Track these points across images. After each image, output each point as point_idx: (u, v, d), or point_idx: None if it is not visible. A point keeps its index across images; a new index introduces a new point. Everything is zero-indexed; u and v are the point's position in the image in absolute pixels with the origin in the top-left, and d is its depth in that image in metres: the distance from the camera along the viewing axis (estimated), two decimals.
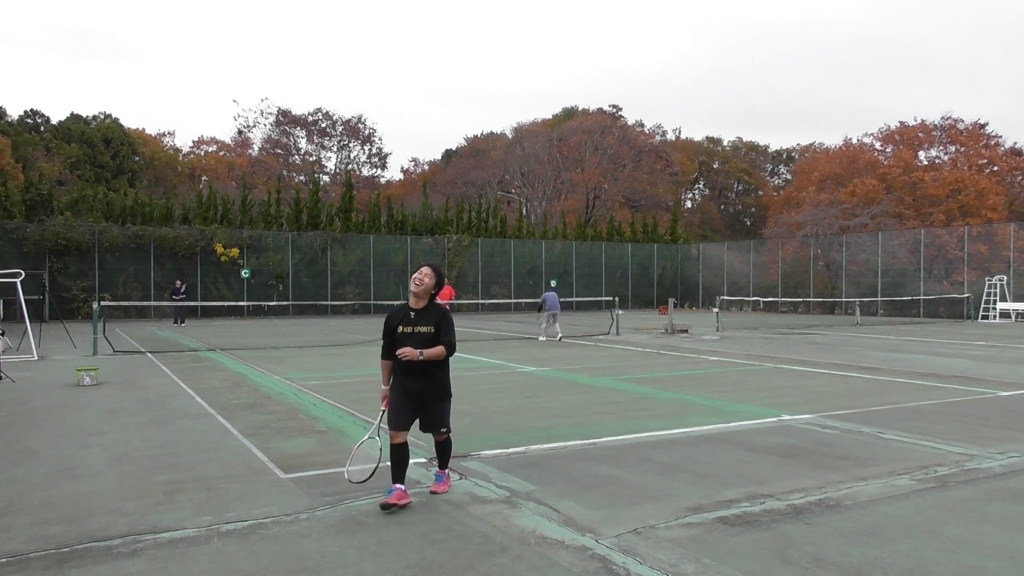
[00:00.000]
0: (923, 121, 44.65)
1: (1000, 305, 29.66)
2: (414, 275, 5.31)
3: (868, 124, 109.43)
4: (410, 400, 5.13)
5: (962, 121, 44.21)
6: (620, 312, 23.12)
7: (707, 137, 77.39)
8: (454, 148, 73.77)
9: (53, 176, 42.05)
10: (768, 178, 77.67)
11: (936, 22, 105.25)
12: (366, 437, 5.39)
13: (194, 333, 22.91)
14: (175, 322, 28.09)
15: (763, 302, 37.68)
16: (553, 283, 39.81)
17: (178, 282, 29.10)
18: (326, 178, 63.44)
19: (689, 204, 74.37)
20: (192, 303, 28.75)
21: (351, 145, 67.74)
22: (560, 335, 19.54)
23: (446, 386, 5.31)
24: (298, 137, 66.95)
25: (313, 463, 6.26)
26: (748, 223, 72.79)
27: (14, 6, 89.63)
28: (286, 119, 65.61)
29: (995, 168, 42.58)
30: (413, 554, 4.16)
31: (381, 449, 5.20)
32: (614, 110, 67.57)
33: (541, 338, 19.50)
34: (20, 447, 7.01)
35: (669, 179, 64.62)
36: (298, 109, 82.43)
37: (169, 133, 70.55)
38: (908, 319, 31.15)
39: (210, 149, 71.34)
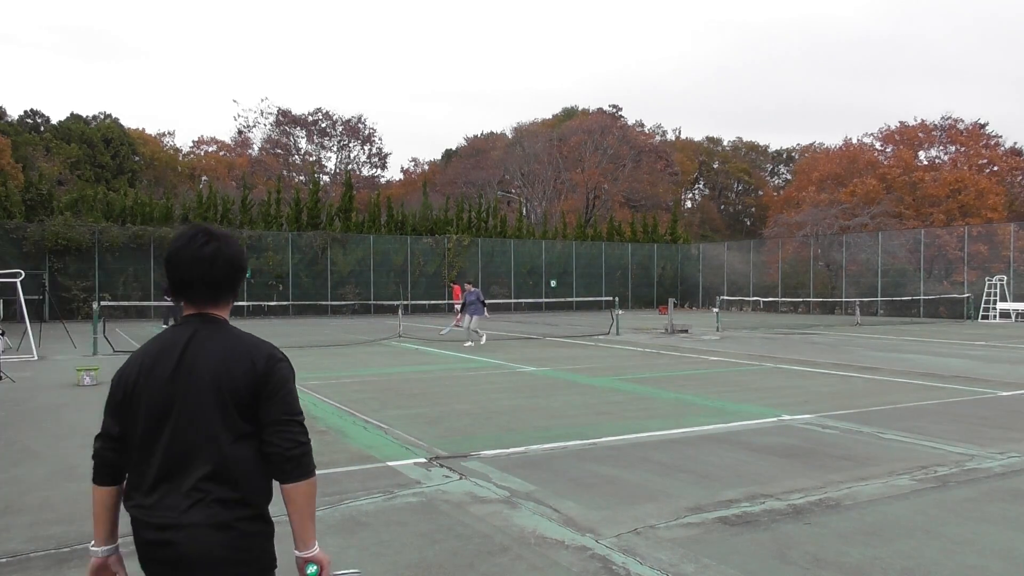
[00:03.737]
0: (923, 121, 44.65)
1: (1000, 305, 29.64)
2: None
3: (868, 124, 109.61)
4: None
5: (962, 121, 44.23)
6: (620, 312, 23.10)
7: (707, 137, 77.45)
8: (454, 148, 73.74)
9: (53, 176, 42.00)
10: (768, 178, 77.67)
11: (937, 22, 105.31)
12: None
13: None
14: (165, 323, 28.03)
15: (763, 302, 37.66)
16: (553, 283, 39.83)
17: None
18: (326, 178, 63.42)
19: (689, 204, 74.36)
20: None
21: (351, 145, 67.73)
22: (474, 338, 18.15)
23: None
24: (298, 137, 66.94)
25: None
26: (748, 223, 72.79)
27: (15, 6, 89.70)
28: (286, 119, 65.59)
29: (995, 168, 42.56)
30: (413, 554, 4.16)
31: None
32: (614, 110, 67.56)
33: (467, 343, 17.93)
34: (20, 447, 7.01)
35: (669, 179, 64.60)
36: (298, 109, 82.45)
37: (169, 133, 70.75)
38: (908, 319, 31.13)
39: (210, 149, 71.38)
